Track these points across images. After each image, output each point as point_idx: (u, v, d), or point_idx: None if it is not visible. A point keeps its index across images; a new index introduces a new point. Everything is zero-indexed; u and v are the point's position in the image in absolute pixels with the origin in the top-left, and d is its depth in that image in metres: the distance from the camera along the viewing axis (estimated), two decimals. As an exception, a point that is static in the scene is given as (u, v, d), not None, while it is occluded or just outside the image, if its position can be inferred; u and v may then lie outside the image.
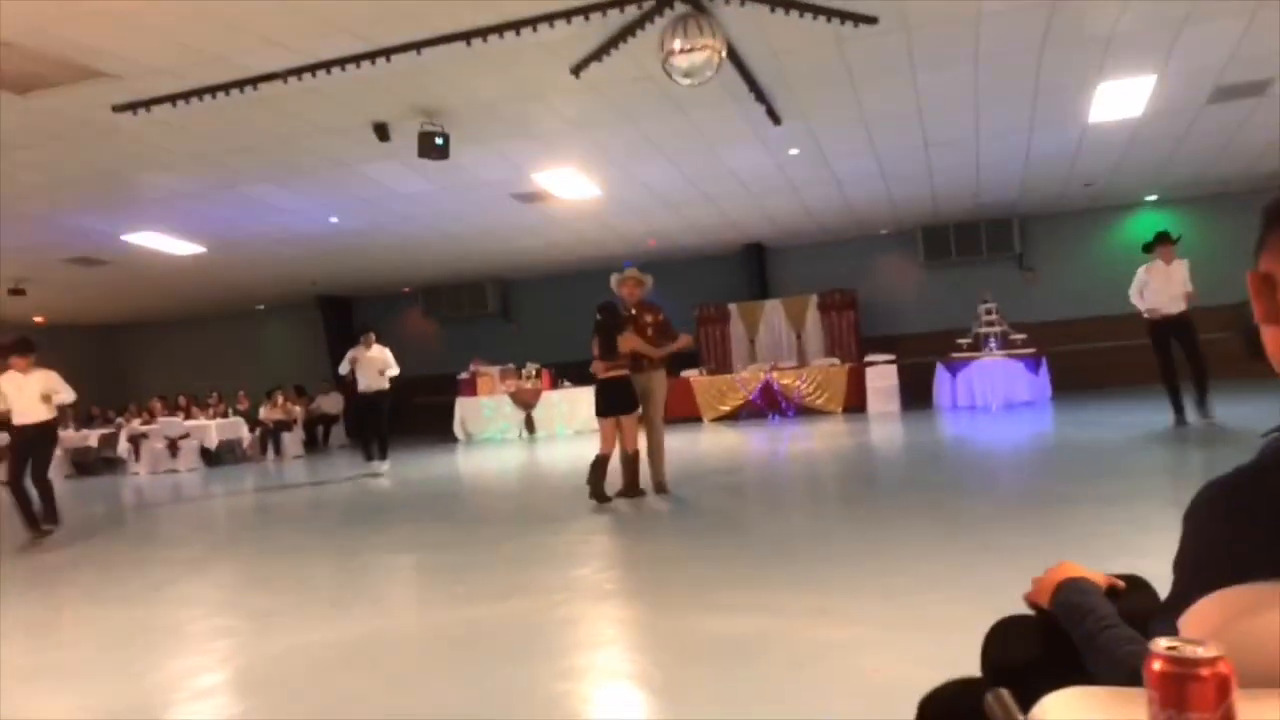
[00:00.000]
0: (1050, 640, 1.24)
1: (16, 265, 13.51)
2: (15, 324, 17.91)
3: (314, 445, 17.03)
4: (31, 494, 7.25)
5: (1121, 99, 9.24)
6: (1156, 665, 0.74)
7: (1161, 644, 0.75)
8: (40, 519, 7.20)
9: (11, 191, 9.70)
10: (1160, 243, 8.97)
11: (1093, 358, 15.35)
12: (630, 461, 7.24)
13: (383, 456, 11.13)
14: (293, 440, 16.05)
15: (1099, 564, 1.46)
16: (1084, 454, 7.92)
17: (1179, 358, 8.77)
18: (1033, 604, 1.33)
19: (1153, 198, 15.17)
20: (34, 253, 12.70)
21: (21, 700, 3.54)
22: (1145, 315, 8.92)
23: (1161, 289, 8.83)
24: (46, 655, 4.18)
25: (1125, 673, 1.01)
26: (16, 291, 14.69)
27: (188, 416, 15.65)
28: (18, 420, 7.22)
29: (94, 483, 14.12)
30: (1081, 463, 7.44)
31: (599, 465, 7.13)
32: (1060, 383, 14.11)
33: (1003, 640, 1.36)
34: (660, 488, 7.35)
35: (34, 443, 7.28)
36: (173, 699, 3.41)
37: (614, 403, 7.18)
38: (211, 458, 15.12)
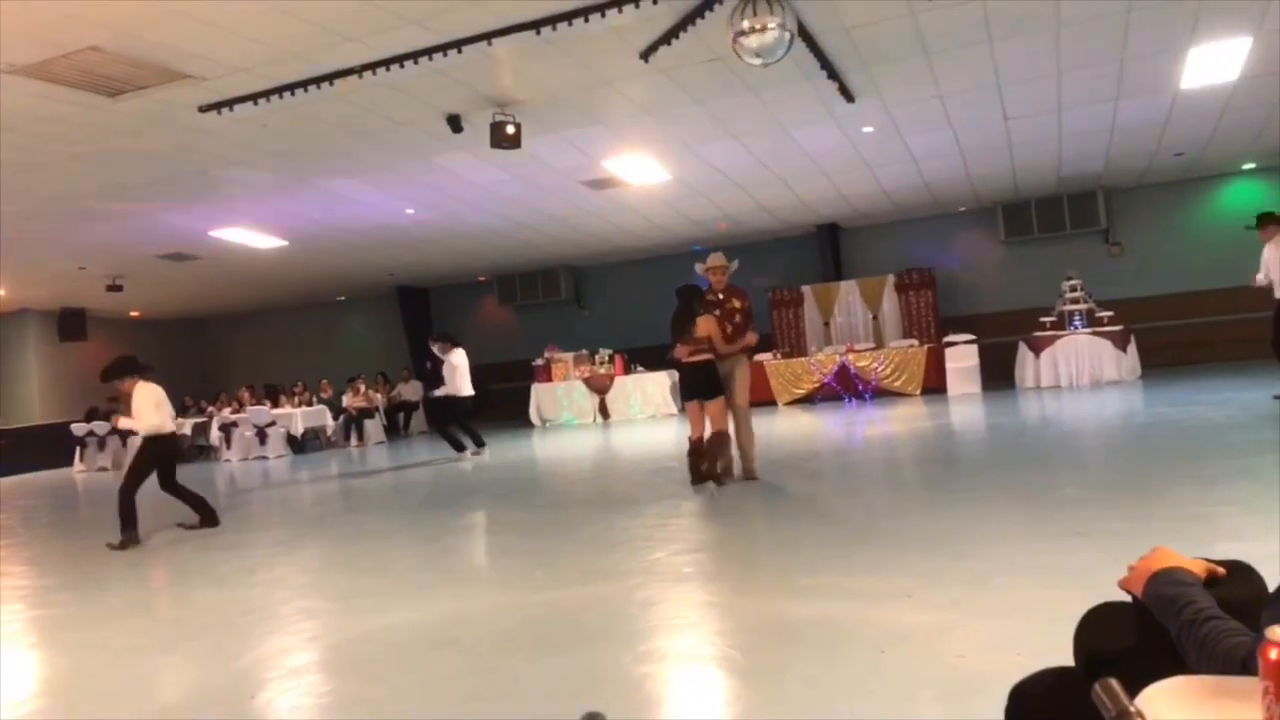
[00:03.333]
0: (1147, 629, 1.19)
1: (114, 262, 14.12)
2: (113, 318, 18.76)
3: (395, 432, 17.44)
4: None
5: (1215, 63, 8.81)
6: (1273, 654, 0.70)
7: (1278, 632, 0.71)
8: (199, 522, 7.39)
9: (106, 191, 10.12)
10: (1262, 224, 8.96)
11: (1186, 334, 14.76)
12: (715, 444, 7.08)
13: (479, 444, 11.54)
14: (374, 427, 16.45)
15: (1201, 549, 1.40)
16: (1181, 433, 7.62)
17: None
18: (1128, 591, 1.28)
19: (1250, 166, 14.46)
20: (129, 250, 13.24)
21: (125, 678, 3.71)
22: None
23: (1274, 266, 8.68)
24: (148, 635, 4.37)
25: (1234, 665, 0.96)
26: (114, 288, 15.35)
27: (275, 405, 16.16)
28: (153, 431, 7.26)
29: (188, 470, 14.65)
30: (1178, 442, 7.15)
31: (693, 451, 7.19)
32: (1150, 361, 13.61)
33: (1097, 628, 1.32)
34: (749, 474, 7.24)
35: (166, 455, 7.46)
36: (265, 678, 3.52)
37: (698, 387, 7.15)
38: (298, 444, 15.60)
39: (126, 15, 5.95)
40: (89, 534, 7.20)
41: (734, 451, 7.33)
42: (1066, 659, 1.34)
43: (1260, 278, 8.96)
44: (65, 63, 6.55)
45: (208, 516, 7.47)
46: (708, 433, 7.13)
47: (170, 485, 7.41)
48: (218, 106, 7.70)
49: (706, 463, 7.12)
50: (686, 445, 7.34)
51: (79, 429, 16.50)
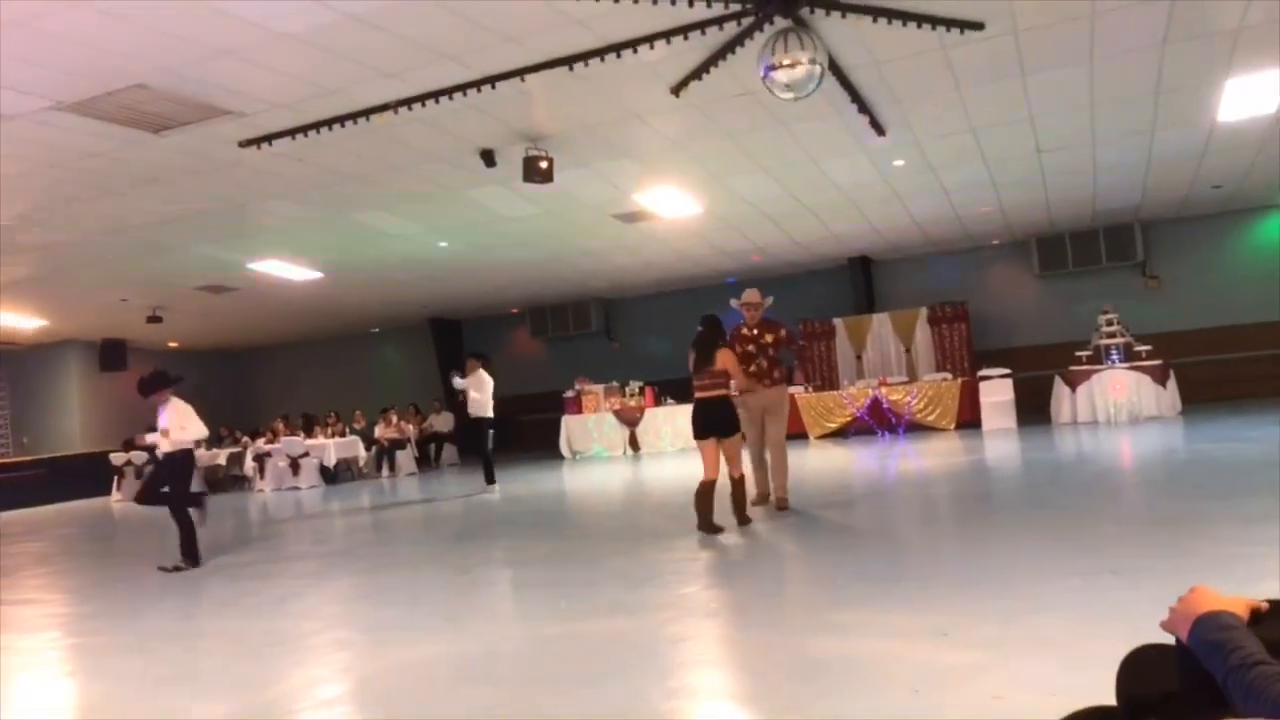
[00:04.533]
0: (1190, 672, 1.16)
1: (154, 294, 14.40)
2: (153, 349, 19.08)
3: (426, 463, 17.51)
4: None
5: (1253, 95, 8.73)
6: (1322, 700, 0.68)
7: (1328, 677, 0.69)
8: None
9: (148, 224, 10.34)
10: None
11: (1228, 369, 14.49)
12: (737, 488, 6.75)
13: (489, 481, 11.44)
14: (406, 458, 16.53)
15: (1243, 589, 1.36)
16: (1222, 470, 7.45)
17: None
18: (1171, 633, 1.25)
19: (1290, 198, 14.27)
20: (169, 281, 13.49)
21: (157, 706, 3.73)
22: None
23: None
24: (180, 664, 4.39)
25: (1284, 708, 0.93)
26: (154, 319, 15.63)
27: (311, 435, 16.31)
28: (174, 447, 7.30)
29: (223, 499, 14.83)
30: (1220, 479, 7.00)
31: (704, 493, 6.54)
32: (1190, 396, 13.35)
33: (1139, 671, 1.29)
34: (782, 504, 7.22)
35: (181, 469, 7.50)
36: (296, 708, 3.53)
37: (712, 423, 6.64)
38: (330, 475, 15.70)
39: (174, 55, 6.12)
40: (125, 562, 7.27)
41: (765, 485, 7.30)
42: (1105, 700, 1.31)
43: None
44: (111, 100, 6.73)
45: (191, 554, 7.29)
46: (721, 474, 6.69)
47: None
48: (257, 141, 7.86)
49: (735, 509, 6.71)
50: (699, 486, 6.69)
51: (117, 458, 16.74)
